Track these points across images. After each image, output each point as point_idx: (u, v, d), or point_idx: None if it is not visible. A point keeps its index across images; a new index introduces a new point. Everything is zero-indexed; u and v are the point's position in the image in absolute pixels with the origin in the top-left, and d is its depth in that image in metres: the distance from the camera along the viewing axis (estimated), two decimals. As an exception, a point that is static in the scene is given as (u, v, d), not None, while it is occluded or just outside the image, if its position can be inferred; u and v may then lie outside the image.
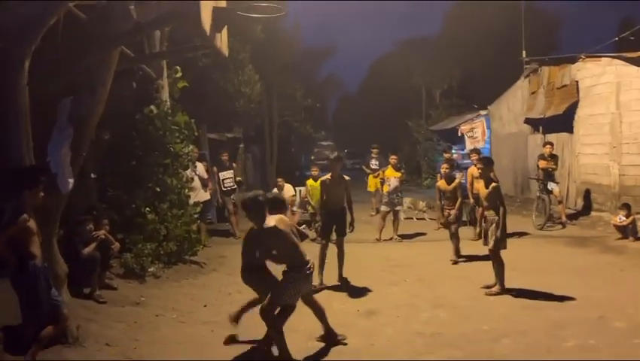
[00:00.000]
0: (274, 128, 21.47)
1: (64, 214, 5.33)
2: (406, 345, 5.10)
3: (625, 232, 9.67)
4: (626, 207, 9.87)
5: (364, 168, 14.15)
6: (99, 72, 5.20)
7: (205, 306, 6.45)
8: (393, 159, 11.05)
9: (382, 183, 11.31)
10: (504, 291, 6.52)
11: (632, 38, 15.08)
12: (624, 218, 9.72)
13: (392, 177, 10.71)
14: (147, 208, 7.78)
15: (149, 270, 7.34)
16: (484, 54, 26.36)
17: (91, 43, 5.24)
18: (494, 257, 6.65)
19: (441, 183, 9.11)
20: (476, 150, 11.04)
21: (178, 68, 8.94)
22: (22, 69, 4.63)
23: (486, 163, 7.14)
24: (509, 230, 10.69)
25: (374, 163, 13.53)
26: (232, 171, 11.40)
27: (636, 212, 10.63)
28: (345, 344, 5.07)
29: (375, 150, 13.79)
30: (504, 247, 6.62)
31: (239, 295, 6.61)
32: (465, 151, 17.24)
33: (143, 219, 7.72)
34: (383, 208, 10.54)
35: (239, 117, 15.62)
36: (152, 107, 8.13)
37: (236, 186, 11.40)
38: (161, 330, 5.62)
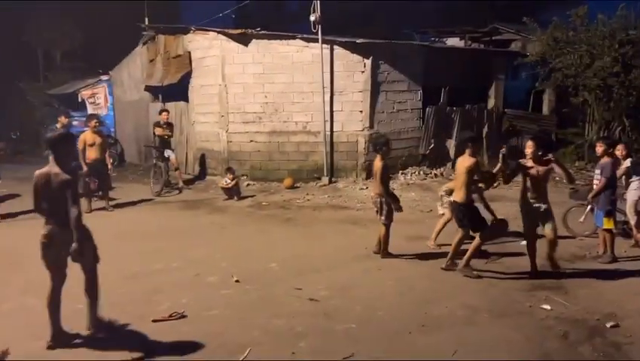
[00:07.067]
0: None
1: None
2: None
3: (230, 193, 10.72)
4: (230, 170, 10.94)
5: None
6: None
7: None
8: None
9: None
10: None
11: (233, 16, 16.65)
12: (229, 180, 10.74)
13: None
14: None
15: None
16: (107, 17, 25.03)
17: None
18: None
19: None
20: (95, 116, 10.44)
21: None
22: None
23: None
24: (129, 199, 10.72)
25: None
26: None
27: (241, 174, 11.99)
28: None
29: None
30: None
31: None
32: (86, 118, 16.15)
33: None
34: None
35: None
36: None
37: None
38: None
